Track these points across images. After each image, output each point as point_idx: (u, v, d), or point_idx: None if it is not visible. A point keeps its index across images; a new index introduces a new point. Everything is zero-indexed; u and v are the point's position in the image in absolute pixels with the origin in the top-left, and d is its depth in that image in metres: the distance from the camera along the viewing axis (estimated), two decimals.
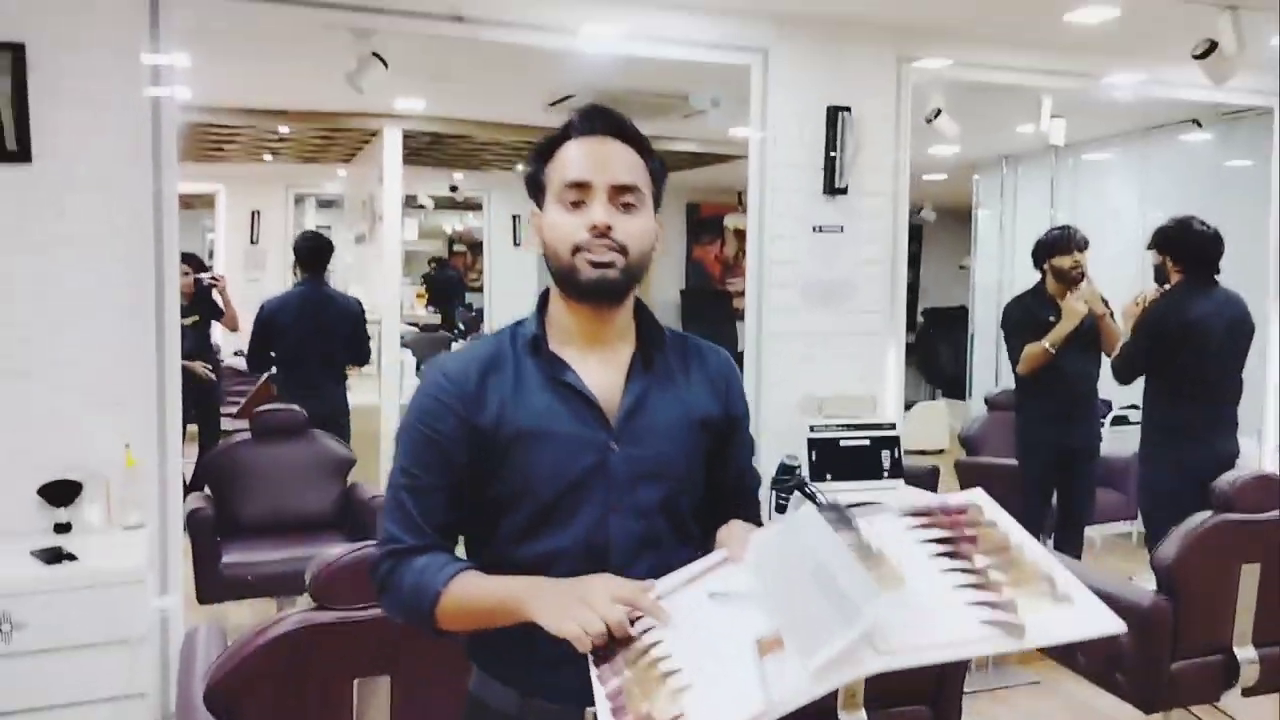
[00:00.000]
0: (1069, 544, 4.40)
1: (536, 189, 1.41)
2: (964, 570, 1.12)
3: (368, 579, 2.00)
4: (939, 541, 1.17)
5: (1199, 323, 3.64)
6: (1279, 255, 4.85)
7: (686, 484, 1.41)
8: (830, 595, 1.04)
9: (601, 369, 1.38)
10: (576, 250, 1.33)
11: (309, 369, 4.93)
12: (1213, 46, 3.61)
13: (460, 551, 1.43)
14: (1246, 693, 2.99)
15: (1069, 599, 1.08)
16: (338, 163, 7.77)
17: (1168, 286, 3.76)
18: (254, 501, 4.14)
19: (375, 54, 3.77)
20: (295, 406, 4.38)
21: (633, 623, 1.18)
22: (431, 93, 5.50)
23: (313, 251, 5.06)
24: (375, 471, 5.49)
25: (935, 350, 10.61)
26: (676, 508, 1.40)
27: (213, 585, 3.86)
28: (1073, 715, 3.68)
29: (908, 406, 9.29)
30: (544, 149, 1.40)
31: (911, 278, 11.02)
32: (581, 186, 1.34)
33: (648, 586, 1.21)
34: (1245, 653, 2.95)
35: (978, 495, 1.24)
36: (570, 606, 1.18)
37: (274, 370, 5.22)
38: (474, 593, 1.31)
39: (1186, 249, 3.68)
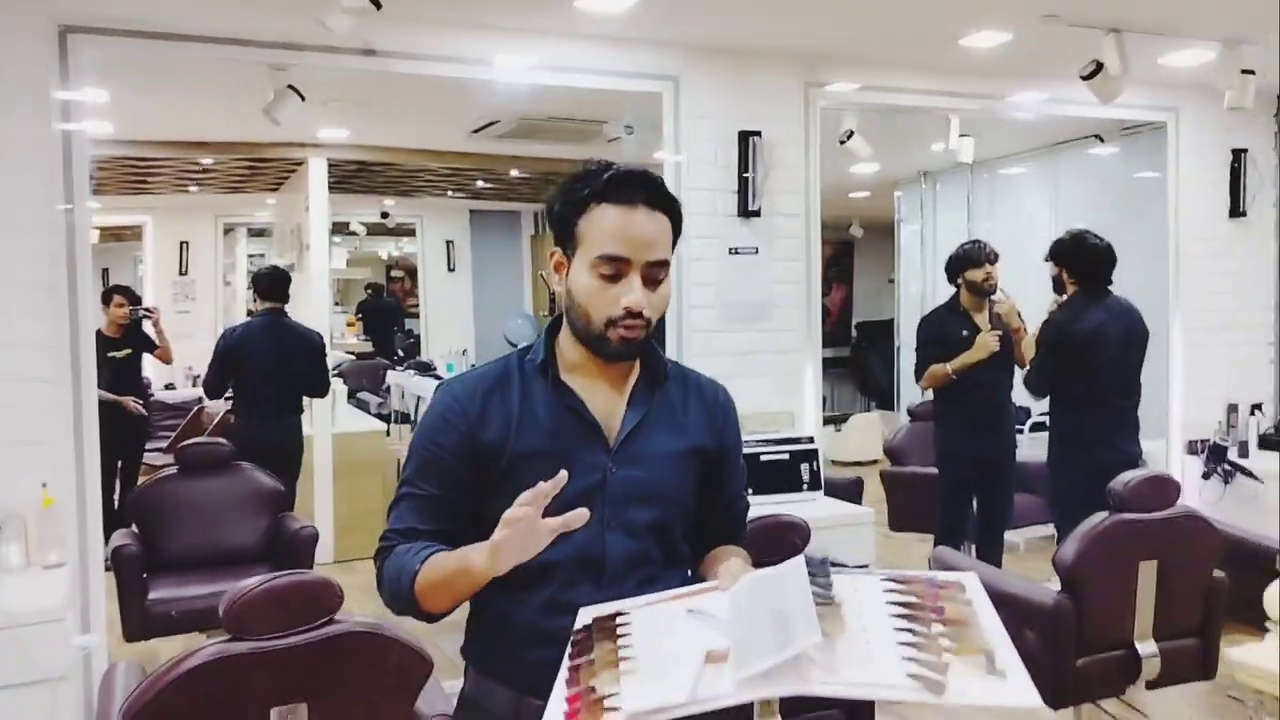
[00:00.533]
0: (990, 548, 4.53)
1: (565, 236, 1.46)
2: (915, 632, 1.20)
3: (280, 608, 2.05)
4: (905, 605, 1.25)
5: (1094, 331, 3.79)
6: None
7: (677, 508, 1.51)
8: (777, 625, 1.16)
9: (605, 395, 1.48)
10: (609, 324, 1.41)
11: (270, 400, 4.98)
12: (1099, 67, 3.78)
13: None
14: (1150, 685, 3.10)
15: (1003, 674, 1.15)
16: (265, 191, 7.73)
17: (1064, 297, 3.92)
18: (181, 536, 4.10)
19: (291, 87, 3.81)
20: (221, 440, 4.37)
21: (613, 618, 1.31)
22: (354, 122, 5.53)
23: (273, 283, 5.11)
24: (309, 504, 5.48)
25: (869, 364, 10.80)
26: (667, 530, 1.49)
27: (140, 622, 3.81)
28: (988, 714, 3.77)
29: (844, 419, 9.49)
30: (577, 198, 1.44)
31: (845, 294, 11.27)
32: (619, 261, 1.40)
33: (540, 491, 1.29)
34: (1146, 647, 3.05)
35: (969, 579, 1.30)
36: (507, 549, 1.29)
37: (230, 400, 5.23)
38: (439, 564, 1.38)
39: (1080, 261, 3.84)
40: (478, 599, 1.46)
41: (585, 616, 1.35)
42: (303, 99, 3.85)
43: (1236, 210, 5.21)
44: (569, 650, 1.30)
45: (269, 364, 4.93)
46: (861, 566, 3.32)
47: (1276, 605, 1.31)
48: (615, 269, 1.41)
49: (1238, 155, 5.19)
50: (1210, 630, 3.15)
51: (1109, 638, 3.05)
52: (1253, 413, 5.23)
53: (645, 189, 1.43)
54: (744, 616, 1.23)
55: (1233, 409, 5.18)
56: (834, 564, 1.30)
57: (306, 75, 3.81)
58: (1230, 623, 3.16)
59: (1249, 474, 4.89)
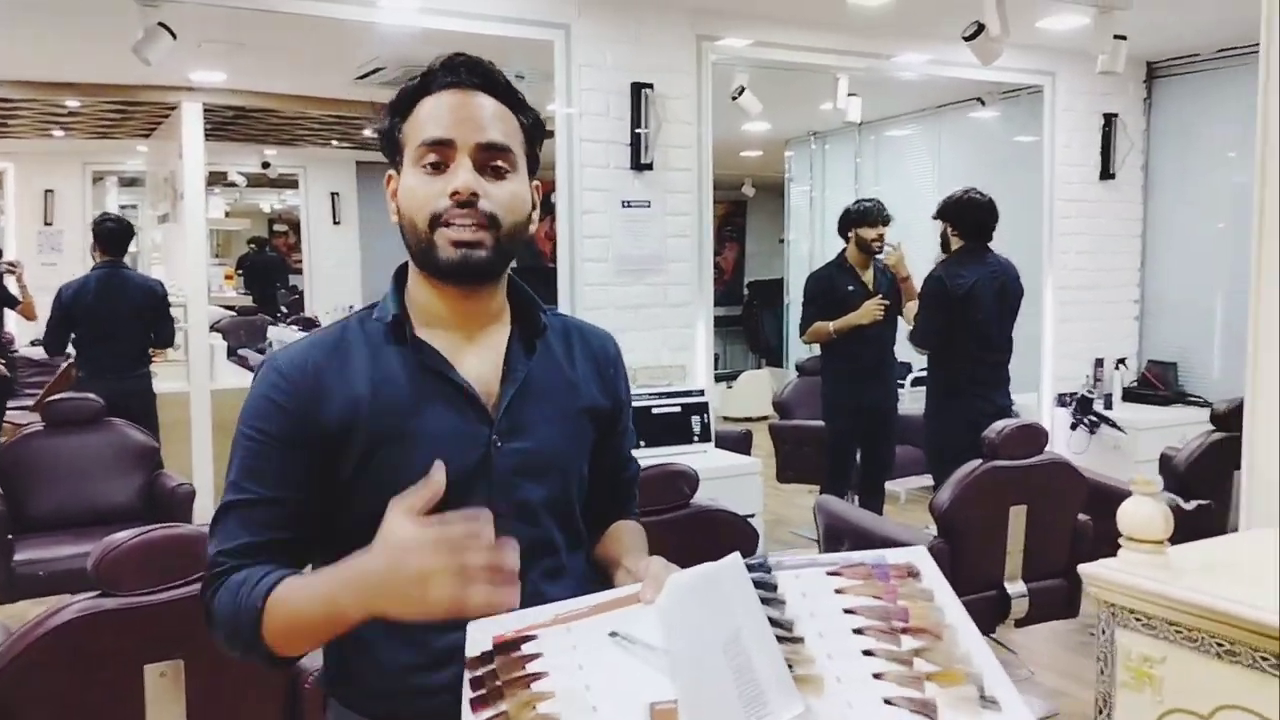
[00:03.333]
0: (872, 497, 4.69)
1: (393, 148, 1.22)
2: (887, 655, 1.04)
3: (153, 563, 1.98)
4: (864, 611, 1.08)
5: (970, 288, 3.91)
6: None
7: (574, 480, 1.27)
8: (742, 682, 0.96)
9: (476, 354, 1.22)
10: (436, 222, 1.15)
11: (110, 353, 4.85)
12: (980, 29, 3.86)
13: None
14: (1019, 624, 3.28)
15: (996, 703, 0.99)
16: (136, 137, 7.40)
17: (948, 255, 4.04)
18: (49, 495, 3.94)
19: (162, 24, 3.62)
20: (91, 395, 4.18)
21: (519, 645, 1.06)
22: (231, 65, 5.30)
23: (112, 234, 4.96)
24: (186, 461, 5.31)
25: (760, 322, 10.97)
26: (565, 507, 1.26)
27: (5, 584, 3.65)
28: None
29: (735, 376, 9.63)
30: (401, 102, 1.21)
31: (738, 252, 11.39)
32: (443, 145, 1.15)
33: (472, 516, 1.00)
34: (1016, 588, 3.22)
35: (919, 556, 1.12)
36: (421, 587, 0.99)
37: (73, 355, 5.06)
38: (297, 604, 1.10)
39: (963, 217, 3.95)
40: None
41: (481, 637, 1.08)
42: (174, 38, 3.66)
43: (1106, 173, 5.44)
44: (467, 686, 1.04)
45: (110, 318, 4.83)
46: (749, 516, 3.38)
47: (1131, 521, 1.38)
48: (439, 155, 1.16)
49: (1109, 120, 5.39)
50: (1075, 571, 3.30)
51: (982, 578, 3.20)
52: (1117, 367, 5.50)
53: (473, 70, 1.19)
54: (689, 651, 1.03)
55: (1099, 363, 5.44)
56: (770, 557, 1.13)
57: (179, 13, 3.63)
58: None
59: (1113, 424, 5.15)
